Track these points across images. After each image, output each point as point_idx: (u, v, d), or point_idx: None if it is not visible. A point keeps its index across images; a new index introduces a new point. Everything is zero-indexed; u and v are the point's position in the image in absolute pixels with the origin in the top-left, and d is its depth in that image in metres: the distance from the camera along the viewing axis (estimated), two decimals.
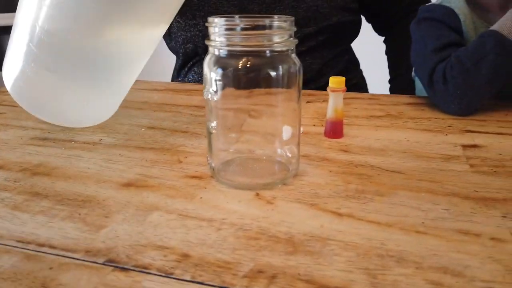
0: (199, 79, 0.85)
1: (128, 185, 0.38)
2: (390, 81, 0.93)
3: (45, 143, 0.49)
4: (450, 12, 0.61)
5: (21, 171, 0.42)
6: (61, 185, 0.38)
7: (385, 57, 0.95)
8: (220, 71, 0.35)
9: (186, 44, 0.81)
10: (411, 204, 0.34)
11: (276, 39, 0.34)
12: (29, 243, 0.29)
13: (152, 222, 0.32)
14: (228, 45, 0.34)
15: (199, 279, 0.26)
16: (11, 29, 0.49)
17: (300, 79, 0.36)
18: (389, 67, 0.93)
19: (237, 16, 0.34)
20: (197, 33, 0.79)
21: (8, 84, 0.48)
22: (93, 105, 0.52)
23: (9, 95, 0.74)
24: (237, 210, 0.34)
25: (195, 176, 0.40)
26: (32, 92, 0.48)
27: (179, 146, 0.48)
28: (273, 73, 0.35)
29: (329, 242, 0.29)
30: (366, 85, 0.93)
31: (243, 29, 0.34)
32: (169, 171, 0.41)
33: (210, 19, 0.35)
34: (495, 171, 0.40)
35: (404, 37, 0.86)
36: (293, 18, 0.35)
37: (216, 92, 0.36)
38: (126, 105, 0.65)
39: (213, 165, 0.39)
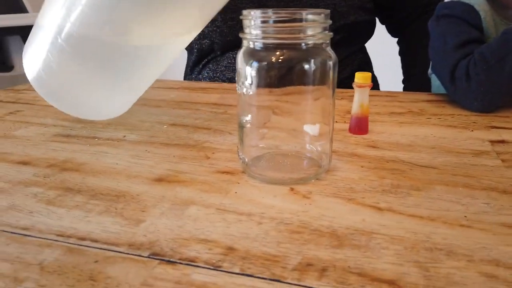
0: (214, 76, 0.84)
1: (159, 180, 0.38)
2: (403, 81, 0.93)
3: (68, 139, 0.49)
4: (470, 9, 0.61)
5: (49, 167, 0.41)
6: (91, 181, 0.38)
7: (396, 58, 0.95)
8: (255, 64, 0.34)
9: (203, 40, 0.81)
10: (450, 199, 0.34)
11: (311, 32, 0.34)
12: (69, 237, 0.29)
13: (190, 216, 0.31)
14: (263, 38, 0.34)
15: (248, 272, 0.25)
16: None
17: (335, 73, 0.36)
18: (403, 67, 0.93)
19: (271, 10, 0.34)
20: (215, 29, 0.79)
21: (30, 74, 0.48)
22: (111, 100, 0.51)
23: (25, 93, 0.74)
24: (274, 205, 0.33)
25: (226, 172, 0.40)
26: (53, 83, 0.48)
27: (203, 142, 0.48)
28: (308, 66, 0.34)
29: (374, 236, 0.29)
30: (378, 85, 0.93)
31: (278, 21, 0.33)
32: (198, 167, 0.41)
33: (245, 12, 0.34)
34: None
35: (418, 38, 0.87)
36: (328, 11, 0.34)
37: (251, 85, 0.35)
38: (144, 103, 0.65)
39: (246, 160, 0.38)
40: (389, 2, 0.86)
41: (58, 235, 0.29)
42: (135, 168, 0.41)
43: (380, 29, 0.92)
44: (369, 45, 0.90)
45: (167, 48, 0.49)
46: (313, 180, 0.37)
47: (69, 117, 0.55)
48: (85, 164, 0.42)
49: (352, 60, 0.82)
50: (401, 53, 0.94)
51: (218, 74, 0.84)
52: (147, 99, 0.67)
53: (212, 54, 0.83)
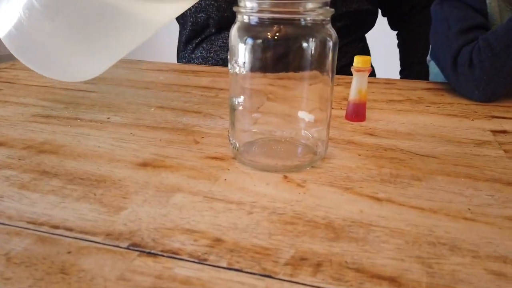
0: (208, 56, 0.81)
1: (144, 165, 0.35)
2: (401, 72, 0.91)
3: (48, 120, 0.46)
4: None
5: (25, 148, 0.38)
6: (70, 164, 0.35)
7: (394, 52, 0.93)
8: (250, 40, 0.32)
9: (198, 13, 0.78)
10: (452, 190, 0.32)
11: (311, 6, 0.31)
12: (41, 224, 0.26)
13: (176, 204, 0.29)
14: (259, 12, 0.31)
15: (236, 266, 0.23)
16: None
17: (335, 54, 0.33)
18: (400, 58, 0.92)
19: None
20: (212, 2, 0.75)
21: (2, 32, 0.45)
22: (83, 61, 0.48)
23: (6, 71, 0.70)
24: (266, 193, 0.31)
25: (216, 157, 0.37)
26: (24, 41, 0.45)
27: (193, 126, 0.45)
28: (306, 45, 0.32)
29: (373, 228, 0.27)
30: (375, 75, 0.91)
31: None
32: (186, 151, 0.38)
33: None
34: None
35: (417, 30, 0.85)
36: None
37: (244, 64, 0.33)
38: (131, 84, 0.62)
39: (237, 145, 0.36)
40: None
41: (29, 223, 0.27)
42: (118, 151, 0.38)
43: (380, 22, 0.90)
44: (368, 37, 0.88)
45: (148, 12, 0.45)
46: (308, 168, 0.35)
47: (50, 97, 0.52)
48: (64, 147, 0.39)
49: (352, 48, 0.80)
50: (399, 44, 0.92)
51: (212, 54, 0.81)
52: (135, 81, 0.64)
53: (207, 31, 0.80)
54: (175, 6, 0.46)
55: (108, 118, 0.47)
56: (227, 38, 0.79)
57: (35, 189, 0.31)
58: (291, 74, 0.33)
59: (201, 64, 0.83)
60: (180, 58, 0.91)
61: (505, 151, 0.40)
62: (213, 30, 0.79)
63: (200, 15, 0.78)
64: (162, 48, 2.01)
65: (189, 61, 0.87)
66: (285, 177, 0.34)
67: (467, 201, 0.30)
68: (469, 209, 0.29)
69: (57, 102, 0.52)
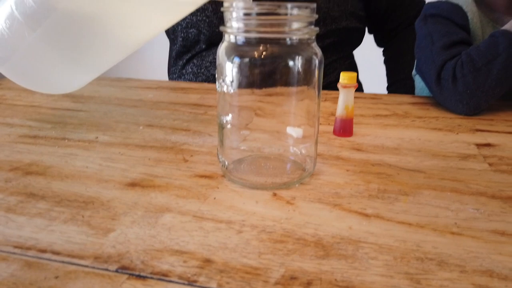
0: (199, 71, 0.82)
1: (133, 185, 0.35)
2: (388, 88, 0.93)
3: (35, 141, 0.46)
4: (457, 9, 0.60)
5: (12, 170, 0.38)
6: (58, 185, 0.35)
7: (380, 68, 0.95)
8: (237, 59, 0.32)
9: (189, 28, 0.78)
10: (439, 204, 0.33)
11: (297, 26, 0.32)
12: (28, 249, 0.26)
13: (165, 224, 0.29)
14: (245, 32, 0.32)
15: (226, 287, 0.23)
16: None
17: (320, 71, 0.34)
18: (387, 74, 0.94)
19: (255, 2, 0.31)
20: (204, 18, 0.76)
21: None
22: (64, 74, 0.48)
23: None
24: (256, 211, 0.31)
25: (205, 176, 0.37)
26: (4, 52, 0.45)
27: (182, 144, 0.45)
28: (292, 63, 0.33)
29: (361, 245, 0.27)
30: (363, 90, 0.92)
31: (261, 14, 0.31)
32: (175, 170, 0.38)
33: (226, 3, 0.32)
34: None
35: (403, 47, 0.88)
36: (314, 5, 0.32)
37: (232, 82, 0.33)
38: (119, 102, 0.62)
39: (226, 163, 0.36)
40: (381, 12, 0.86)
41: (16, 247, 0.26)
42: (107, 171, 0.38)
43: (367, 39, 0.92)
44: (356, 53, 0.90)
45: (133, 28, 0.45)
46: (297, 185, 0.35)
47: (37, 116, 0.51)
48: (52, 168, 0.39)
49: (340, 64, 0.82)
50: (386, 60, 0.95)
51: (202, 69, 0.82)
52: (124, 99, 0.64)
53: (197, 46, 0.80)
54: (160, 23, 0.46)
55: (97, 137, 0.47)
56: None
57: (21, 212, 0.31)
58: (279, 90, 0.34)
59: (191, 79, 0.84)
60: (171, 73, 0.91)
61: (490, 164, 0.41)
62: (203, 46, 0.80)
63: (191, 30, 0.79)
64: (153, 63, 2.02)
65: (179, 77, 0.87)
66: (274, 194, 0.34)
67: (453, 215, 0.31)
68: (455, 223, 0.30)
69: (44, 122, 0.52)
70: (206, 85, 0.75)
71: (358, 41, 0.86)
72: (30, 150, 0.43)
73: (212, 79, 0.81)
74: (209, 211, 0.31)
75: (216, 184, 0.36)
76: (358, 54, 0.90)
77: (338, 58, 0.81)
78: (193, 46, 0.81)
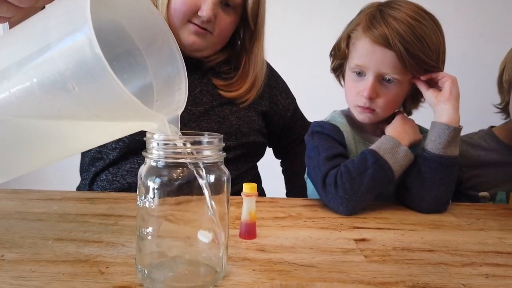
0: (114, 179, 0.83)
1: None
2: (287, 194, 1.06)
3: None
4: (336, 129, 0.76)
5: None
6: None
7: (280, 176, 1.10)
8: (158, 180, 0.38)
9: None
10: None
11: (208, 153, 0.39)
12: None
13: None
14: (166, 158, 0.38)
15: None
16: None
17: (228, 186, 0.41)
18: (285, 182, 1.09)
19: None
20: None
21: None
22: None
23: None
24: None
25: (123, 286, 0.39)
26: None
27: (96, 256, 0.47)
28: (205, 181, 0.39)
29: None
30: (265, 195, 1.03)
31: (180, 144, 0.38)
32: (93, 283, 0.40)
33: (149, 134, 0.39)
34: (384, 260, 0.49)
35: (297, 160, 1.05)
36: (221, 135, 0.41)
37: (153, 199, 0.38)
38: (22, 216, 0.61)
39: (145, 271, 0.39)
40: (278, 130, 1.03)
41: None
42: None
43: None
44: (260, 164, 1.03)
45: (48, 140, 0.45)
46: (211, 287, 0.40)
47: None
48: None
49: (248, 174, 0.93)
50: (283, 171, 1.11)
51: (118, 178, 0.83)
52: (26, 212, 0.63)
53: (115, 152, 0.83)
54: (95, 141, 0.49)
55: (2, 255, 0.46)
56: (135, 163, 0.83)
57: None
58: (193, 201, 0.40)
59: (105, 187, 0.85)
60: (83, 178, 0.91)
61: (365, 256, 0.50)
62: (118, 155, 0.83)
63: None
64: (48, 174, 1.91)
65: (91, 183, 0.87)
66: None
67: None
68: None
69: None
70: (113, 194, 0.77)
71: (262, 153, 1.00)
72: None
73: (127, 187, 0.83)
74: None
75: None
76: (263, 165, 1.03)
77: (247, 169, 0.92)
78: (109, 152, 0.84)
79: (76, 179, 0.97)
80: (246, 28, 0.89)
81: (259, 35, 0.89)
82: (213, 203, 0.38)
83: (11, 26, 0.44)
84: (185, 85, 0.44)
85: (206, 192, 0.37)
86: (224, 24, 0.84)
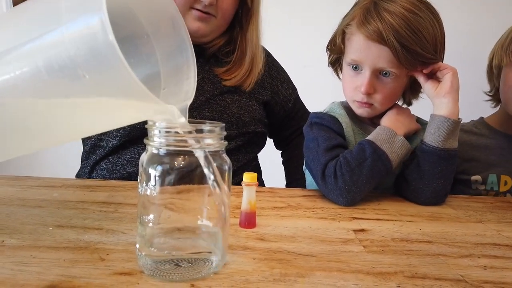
0: (114, 169, 0.84)
1: (52, 287, 0.36)
2: (287, 185, 1.06)
3: None
4: (335, 120, 0.76)
5: None
6: None
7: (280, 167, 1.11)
8: (160, 168, 0.38)
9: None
10: (328, 282, 0.40)
11: (209, 141, 0.39)
12: None
13: None
14: (167, 145, 0.38)
15: None
16: None
17: (230, 175, 0.41)
18: (285, 173, 1.09)
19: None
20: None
21: None
22: None
23: None
24: None
25: (124, 273, 0.40)
26: None
27: (96, 243, 0.47)
28: (206, 170, 0.39)
29: None
30: (264, 185, 1.04)
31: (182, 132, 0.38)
32: (93, 270, 0.40)
33: (150, 122, 0.38)
34: (382, 250, 0.49)
35: (297, 152, 1.05)
36: (223, 124, 0.41)
37: (154, 186, 0.38)
38: (22, 203, 0.61)
39: (146, 259, 0.39)
40: (279, 121, 1.03)
41: None
42: (21, 276, 0.38)
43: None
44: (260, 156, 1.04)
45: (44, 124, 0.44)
46: (211, 275, 0.40)
47: None
48: None
49: (248, 165, 0.93)
50: (283, 162, 1.11)
51: (118, 167, 0.83)
52: (26, 199, 0.63)
53: (113, 142, 0.83)
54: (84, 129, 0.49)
55: (3, 241, 0.46)
56: (135, 152, 0.83)
57: None
58: (194, 189, 0.40)
59: (105, 176, 0.85)
60: (83, 167, 0.91)
61: (364, 246, 0.50)
62: (118, 144, 0.83)
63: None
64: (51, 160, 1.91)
65: (91, 171, 0.87)
66: (192, 285, 0.38)
67: None
68: None
69: None
70: (113, 182, 0.77)
71: (263, 143, 1.00)
72: None
73: (127, 176, 0.83)
74: None
75: (136, 280, 0.38)
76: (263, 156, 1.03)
77: (248, 161, 0.93)
78: (109, 140, 0.84)
79: (76, 166, 0.97)
80: (243, 7, 0.89)
81: (255, 12, 0.89)
82: (222, 182, 0.38)
83: (14, 3, 0.43)
84: (194, 74, 0.43)
85: (215, 174, 0.37)
86: (226, 5, 0.84)
